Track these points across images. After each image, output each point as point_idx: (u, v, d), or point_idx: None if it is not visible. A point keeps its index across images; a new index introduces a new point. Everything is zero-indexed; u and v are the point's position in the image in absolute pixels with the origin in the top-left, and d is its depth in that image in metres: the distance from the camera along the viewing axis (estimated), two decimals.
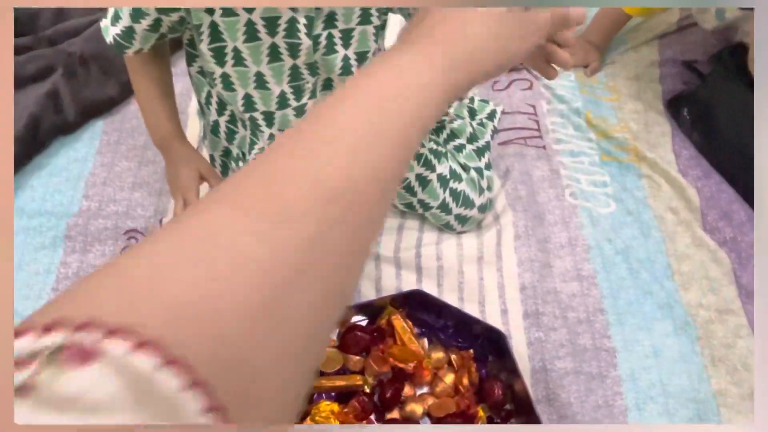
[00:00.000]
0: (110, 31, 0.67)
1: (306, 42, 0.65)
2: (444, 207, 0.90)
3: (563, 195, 1.00)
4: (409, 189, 0.89)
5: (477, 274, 0.91)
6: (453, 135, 0.96)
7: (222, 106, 0.77)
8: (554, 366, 0.85)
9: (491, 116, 1.05)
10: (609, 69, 1.17)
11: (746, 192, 1.02)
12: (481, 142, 0.97)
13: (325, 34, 0.66)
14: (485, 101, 1.07)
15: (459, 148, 0.95)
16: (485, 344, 0.83)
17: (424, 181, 0.88)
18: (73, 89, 1.00)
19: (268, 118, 0.75)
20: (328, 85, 0.73)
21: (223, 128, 0.80)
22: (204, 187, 0.83)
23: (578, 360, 0.85)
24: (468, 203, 0.91)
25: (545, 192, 1.00)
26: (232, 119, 0.78)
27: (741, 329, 0.90)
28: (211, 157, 0.87)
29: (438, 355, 0.83)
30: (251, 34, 0.64)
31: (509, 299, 0.90)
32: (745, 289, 0.94)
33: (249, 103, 0.73)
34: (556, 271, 0.93)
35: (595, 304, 0.90)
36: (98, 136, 1.01)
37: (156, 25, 0.65)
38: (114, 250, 0.91)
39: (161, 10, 0.63)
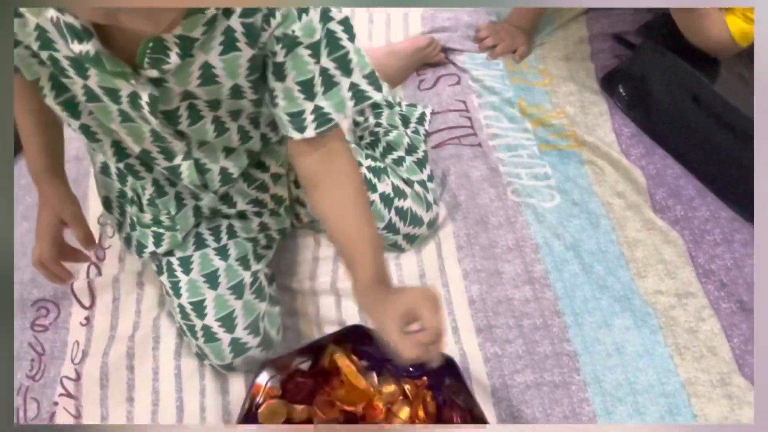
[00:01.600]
0: None
1: (152, 120, 0.57)
2: (391, 227, 0.85)
3: (505, 194, 0.95)
4: None
5: None
6: (390, 147, 0.90)
7: None
8: (514, 381, 0.81)
9: (421, 120, 1.00)
10: (538, 51, 1.12)
11: (692, 165, 1.00)
12: (420, 153, 0.92)
13: (185, 105, 0.58)
14: (413, 105, 1.02)
15: (398, 161, 0.89)
16: (439, 368, 0.79)
17: None
18: None
19: (144, 163, 0.68)
20: (203, 143, 0.65)
21: (113, 170, 0.73)
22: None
23: (539, 370, 0.81)
24: (416, 221, 0.86)
25: (486, 193, 0.95)
26: None
27: (703, 311, 0.87)
28: (107, 199, 0.78)
29: (390, 388, 0.78)
30: (92, 97, 0.56)
31: (459, 315, 0.85)
32: (703, 268, 0.91)
33: (120, 151, 0.66)
34: (505, 277, 0.88)
35: (551, 306, 0.86)
36: None
37: None
38: (23, 323, 0.83)
39: None
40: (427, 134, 1.00)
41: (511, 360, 0.82)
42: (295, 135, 0.58)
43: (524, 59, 1.11)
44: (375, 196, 0.82)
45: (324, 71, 0.55)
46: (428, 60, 1.07)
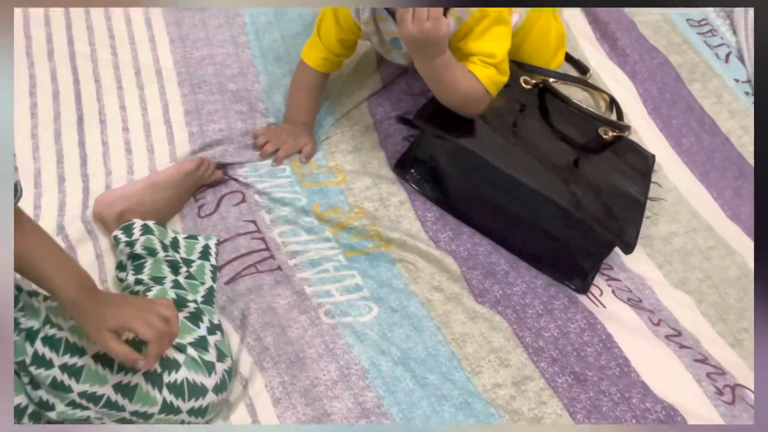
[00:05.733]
0: None
1: None
2: (169, 408, 0.72)
3: (318, 317, 0.88)
4: (111, 405, 0.70)
5: None
6: None
7: None
8: None
9: (205, 254, 0.90)
10: (325, 147, 1.08)
11: (497, 237, 1.01)
12: (191, 305, 0.80)
13: None
14: (193, 237, 0.92)
15: None
16: None
17: (126, 389, 0.70)
18: None
19: None
20: None
21: None
22: None
23: None
24: (197, 391, 0.74)
25: (296, 322, 0.87)
26: None
27: (542, 393, 0.87)
28: None
29: None
30: None
31: None
32: (532, 347, 0.91)
33: None
34: (336, 417, 0.80)
35: None
36: None
37: None
38: None
39: None
40: (215, 269, 0.90)
41: None
42: None
43: (312, 158, 1.06)
44: (138, 379, 0.70)
45: None
46: (204, 182, 0.98)
